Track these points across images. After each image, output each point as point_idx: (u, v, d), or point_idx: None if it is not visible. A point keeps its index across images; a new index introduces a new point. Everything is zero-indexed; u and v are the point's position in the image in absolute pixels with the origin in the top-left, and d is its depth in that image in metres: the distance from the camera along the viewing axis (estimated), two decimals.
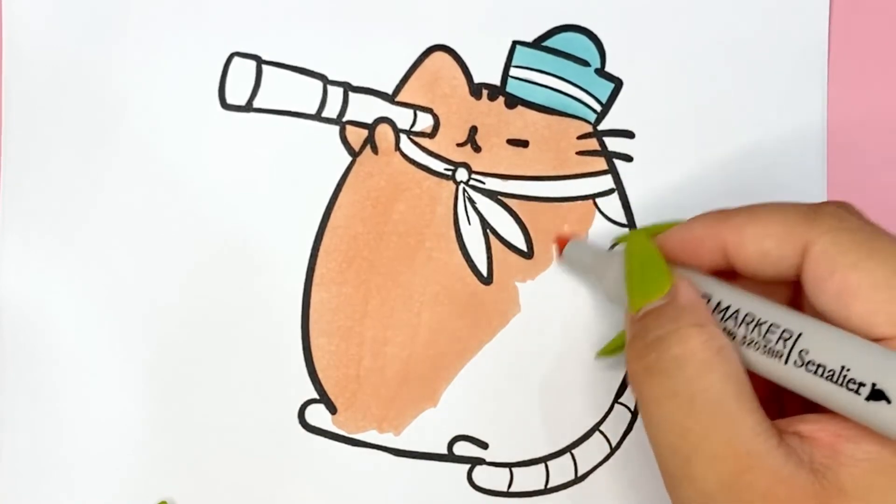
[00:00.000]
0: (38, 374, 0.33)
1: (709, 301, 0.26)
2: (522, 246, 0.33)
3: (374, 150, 0.33)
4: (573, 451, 0.33)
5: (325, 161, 0.33)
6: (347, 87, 0.33)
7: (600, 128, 0.34)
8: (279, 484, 0.33)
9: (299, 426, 0.33)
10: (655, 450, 0.25)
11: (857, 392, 0.22)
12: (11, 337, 0.33)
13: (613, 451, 0.33)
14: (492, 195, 0.33)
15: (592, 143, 0.34)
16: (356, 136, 0.33)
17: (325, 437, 0.33)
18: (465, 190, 0.33)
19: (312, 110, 0.33)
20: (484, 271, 0.33)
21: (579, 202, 0.33)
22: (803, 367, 0.23)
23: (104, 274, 0.33)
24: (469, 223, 0.33)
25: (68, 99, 0.33)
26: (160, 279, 0.33)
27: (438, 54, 0.33)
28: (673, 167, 0.34)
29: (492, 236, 0.33)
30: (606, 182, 0.34)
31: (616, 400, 0.33)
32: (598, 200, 0.34)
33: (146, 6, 0.33)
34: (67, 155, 0.33)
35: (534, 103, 0.33)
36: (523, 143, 0.34)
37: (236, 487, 0.33)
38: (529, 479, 0.33)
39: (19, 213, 0.33)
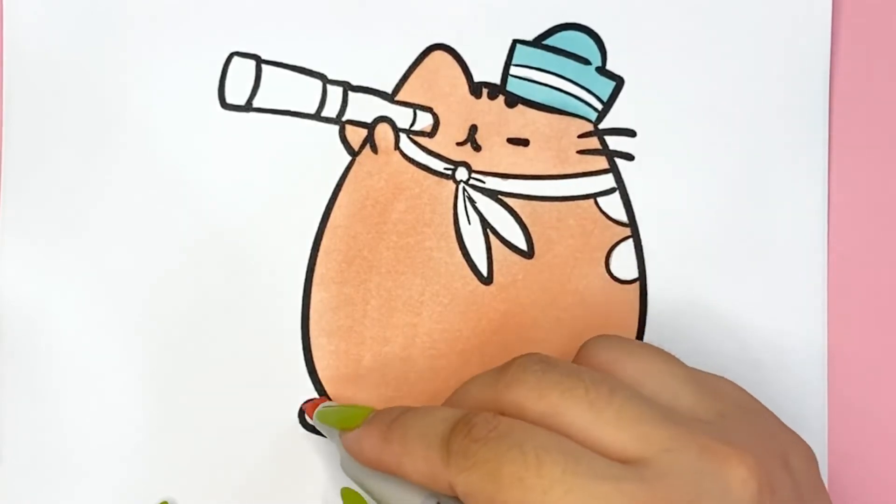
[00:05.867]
0: (38, 374, 0.33)
1: None
2: (523, 245, 0.33)
3: (374, 149, 0.33)
4: None
5: (324, 161, 0.33)
6: (347, 87, 0.33)
7: (601, 126, 0.33)
8: (279, 484, 0.33)
9: (299, 426, 0.33)
10: None
11: None
12: (11, 337, 0.33)
13: None
14: (492, 194, 0.33)
15: (593, 142, 0.33)
16: (356, 135, 0.33)
17: (326, 437, 0.33)
18: (465, 189, 0.33)
19: (312, 110, 0.33)
20: (484, 271, 0.33)
21: (580, 201, 0.33)
22: None
23: (104, 273, 0.33)
24: (469, 223, 0.33)
25: (68, 99, 0.33)
26: (160, 279, 0.33)
27: (438, 53, 0.33)
28: (674, 166, 0.33)
29: (492, 236, 0.33)
30: (608, 181, 0.33)
31: None
32: (599, 199, 0.33)
33: (146, 6, 0.33)
34: (67, 155, 0.33)
35: (534, 102, 0.33)
36: (524, 142, 0.33)
37: (236, 487, 0.33)
38: None
39: (19, 213, 0.33)
